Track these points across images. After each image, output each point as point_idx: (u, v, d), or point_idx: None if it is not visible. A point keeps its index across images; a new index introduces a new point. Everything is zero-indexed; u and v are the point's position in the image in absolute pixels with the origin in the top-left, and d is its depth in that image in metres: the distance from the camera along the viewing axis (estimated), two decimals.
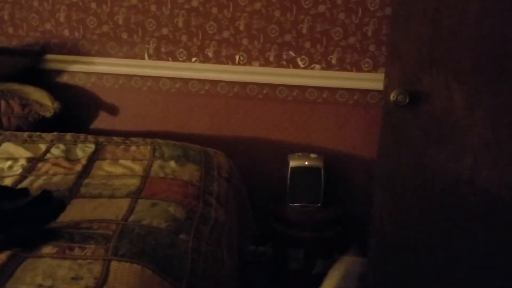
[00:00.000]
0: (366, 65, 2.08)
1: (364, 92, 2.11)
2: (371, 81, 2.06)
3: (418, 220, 1.76)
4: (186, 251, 1.25)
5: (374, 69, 2.07)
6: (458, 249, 1.75)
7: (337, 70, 2.11)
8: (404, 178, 1.73)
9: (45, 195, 1.27)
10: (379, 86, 1.96)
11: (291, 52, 2.14)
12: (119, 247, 1.13)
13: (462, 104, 1.62)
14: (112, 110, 2.28)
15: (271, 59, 2.16)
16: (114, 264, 1.07)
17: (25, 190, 1.37)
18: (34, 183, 1.47)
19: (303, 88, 2.17)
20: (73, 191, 1.43)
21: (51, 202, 1.25)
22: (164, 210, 1.36)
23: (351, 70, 2.10)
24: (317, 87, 2.15)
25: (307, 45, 2.12)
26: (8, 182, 1.47)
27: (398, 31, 1.65)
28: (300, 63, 2.14)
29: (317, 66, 2.13)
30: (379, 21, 2.01)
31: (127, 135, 2.04)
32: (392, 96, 1.65)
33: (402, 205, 1.77)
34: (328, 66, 2.12)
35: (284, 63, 2.15)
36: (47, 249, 1.09)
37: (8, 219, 1.15)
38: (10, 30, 2.22)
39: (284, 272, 2.14)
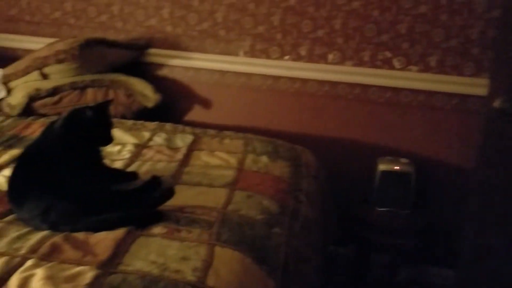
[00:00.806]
0: (467, 69, 1.99)
1: (464, 97, 2.02)
2: (473, 86, 1.98)
3: None
4: (280, 245, 1.28)
5: (477, 73, 1.97)
6: None
7: (435, 73, 2.04)
8: (505, 188, 1.65)
9: (155, 180, 1.37)
10: (481, 91, 1.88)
11: (387, 53, 2.10)
12: (221, 234, 1.19)
13: None
14: (206, 104, 2.38)
15: (366, 58, 2.13)
16: (217, 249, 1.13)
17: (134, 174, 1.48)
18: (141, 168, 1.58)
19: (397, 90, 2.13)
20: (176, 178, 1.53)
21: (160, 187, 1.35)
22: (259, 203, 1.41)
23: (451, 74, 2.02)
24: (412, 89, 2.10)
25: (405, 45, 2.07)
26: (118, 165, 1.59)
27: (507, 34, 1.56)
28: (396, 64, 2.10)
29: (414, 67, 2.08)
30: (485, 23, 1.92)
31: (218, 128, 2.12)
32: (496, 103, 1.57)
33: (500, 216, 1.68)
34: (426, 69, 2.06)
35: (379, 63, 2.12)
36: (158, 229, 1.18)
37: (124, 199, 1.25)
38: (119, 24, 2.38)
39: (365, 276, 2.12)
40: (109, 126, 1.37)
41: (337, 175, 2.17)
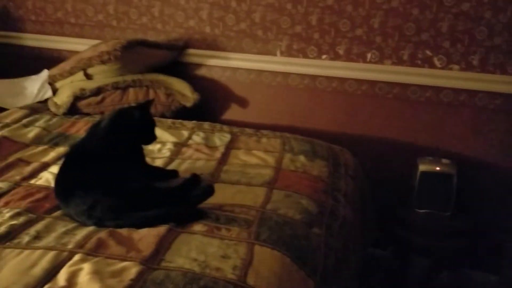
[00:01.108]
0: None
1: (508, 96, 1.97)
2: None
3: None
4: (319, 245, 1.28)
5: None
6: None
7: (478, 72, 1.98)
8: None
9: (195, 178, 1.40)
10: None
11: (427, 51, 2.06)
12: (260, 233, 1.20)
13: None
14: (243, 103, 2.40)
15: (405, 57, 2.10)
16: (257, 248, 1.14)
17: (174, 172, 1.51)
18: (181, 166, 1.62)
19: (438, 89, 2.08)
20: (215, 176, 1.55)
21: (200, 185, 1.37)
22: (297, 202, 1.41)
23: (495, 72, 1.96)
24: (453, 88, 2.06)
25: (446, 44, 2.03)
26: (158, 163, 1.63)
27: None
28: (437, 62, 2.06)
29: (456, 66, 2.03)
30: None
31: (255, 127, 2.14)
32: None
33: None
34: (468, 67, 2.01)
35: (419, 62, 2.08)
36: (198, 227, 1.20)
37: (165, 197, 1.28)
38: (159, 26, 2.44)
39: (404, 279, 2.08)
40: (153, 125, 1.42)
41: (375, 176, 2.15)
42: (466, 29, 1.98)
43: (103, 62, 2.13)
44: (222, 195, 1.38)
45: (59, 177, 1.33)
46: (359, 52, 2.15)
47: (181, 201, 1.28)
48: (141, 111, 1.37)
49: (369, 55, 2.14)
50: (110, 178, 1.25)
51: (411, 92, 2.13)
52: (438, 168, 1.99)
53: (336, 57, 2.19)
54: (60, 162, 1.61)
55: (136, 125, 1.36)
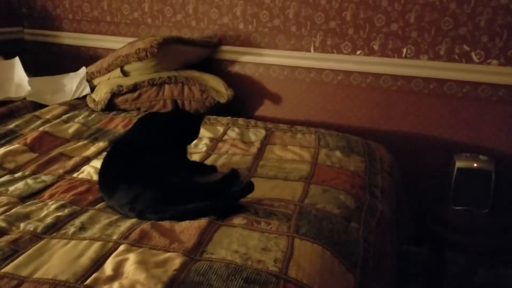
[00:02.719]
0: None
1: None
2: None
3: None
4: (358, 239, 1.28)
5: None
6: None
7: None
8: None
9: (234, 173, 1.42)
10: None
11: (465, 46, 2.02)
12: (299, 226, 1.21)
13: None
14: (276, 99, 2.41)
15: (442, 52, 2.06)
16: (297, 241, 1.14)
17: (213, 167, 1.53)
18: (218, 161, 1.64)
19: (475, 85, 2.04)
20: (251, 171, 1.56)
21: (239, 180, 1.39)
22: (335, 197, 1.41)
23: None
24: (492, 84, 2.01)
25: (484, 38, 1.98)
26: (195, 158, 1.66)
27: None
28: (474, 57, 2.02)
29: (494, 61, 1.99)
30: None
31: (288, 123, 2.15)
32: None
33: None
34: (507, 62, 1.96)
35: (456, 57, 2.05)
36: (238, 220, 1.22)
37: (206, 190, 1.30)
38: (193, 23, 2.47)
39: (441, 276, 2.05)
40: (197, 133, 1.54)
41: (410, 172, 2.13)
42: (505, 23, 1.93)
43: (139, 59, 2.17)
44: (260, 190, 1.39)
45: (103, 170, 1.37)
46: (395, 47, 2.13)
47: (221, 194, 1.30)
48: (198, 120, 1.52)
49: (404, 50, 2.12)
50: (152, 172, 1.28)
51: (447, 88, 2.09)
52: (475, 165, 1.95)
53: (371, 52, 2.17)
54: (101, 156, 1.67)
55: (191, 131, 1.49)
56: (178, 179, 1.29)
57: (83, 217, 1.25)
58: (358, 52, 2.20)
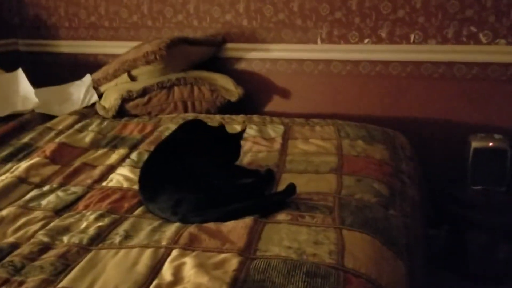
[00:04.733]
0: None
1: None
2: None
3: None
4: (399, 226, 1.29)
5: None
6: None
7: None
8: None
9: (270, 172, 1.42)
10: None
11: (472, 28, 2.04)
12: (344, 217, 1.21)
13: None
14: (285, 94, 2.40)
15: (449, 35, 2.09)
16: (345, 232, 1.15)
17: (257, 170, 1.51)
18: (244, 159, 1.63)
19: (484, 65, 2.07)
20: (280, 167, 1.57)
21: (275, 178, 1.40)
22: (370, 186, 1.42)
23: None
24: (501, 63, 2.05)
25: (491, 19, 2.01)
26: None
27: None
28: (482, 38, 2.04)
29: (502, 41, 2.02)
30: None
31: (300, 117, 2.15)
32: None
33: None
34: None
35: (464, 39, 2.07)
36: (282, 216, 1.22)
37: (244, 192, 1.30)
38: (195, 22, 2.45)
39: (462, 256, 2.09)
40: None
41: (426, 155, 2.15)
42: (511, 1, 1.96)
43: (148, 63, 2.15)
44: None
45: (144, 173, 1.36)
46: (402, 33, 2.14)
47: (260, 194, 1.30)
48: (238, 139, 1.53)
49: (412, 36, 2.13)
50: (195, 175, 1.27)
51: (457, 70, 2.12)
52: (491, 144, 1.99)
53: (378, 40, 2.19)
54: (125, 163, 1.66)
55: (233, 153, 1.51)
56: (219, 182, 1.29)
57: (125, 225, 1.24)
58: (366, 40, 2.21)
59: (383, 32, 2.17)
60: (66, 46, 2.77)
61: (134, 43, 2.46)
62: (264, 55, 2.37)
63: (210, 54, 2.38)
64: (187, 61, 2.30)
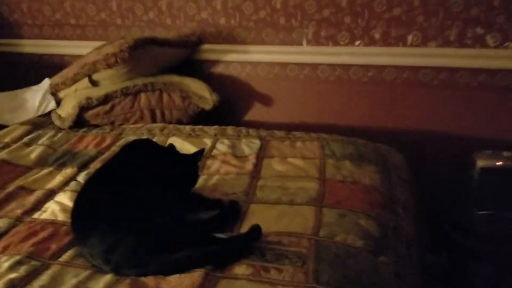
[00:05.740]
0: None
1: None
2: None
3: None
4: (390, 278, 1.04)
5: None
6: None
7: None
8: None
9: (235, 206, 1.16)
10: None
11: (478, 29, 1.79)
12: (319, 272, 0.96)
13: None
14: (267, 101, 2.16)
15: (452, 38, 1.84)
16: None
17: (219, 202, 1.25)
18: (208, 182, 1.38)
19: (492, 72, 1.83)
20: (249, 195, 1.31)
21: (240, 214, 1.13)
22: (355, 223, 1.17)
23: None
24: (511, 70, 1.80)
25: (500, 19, 1.76)
26: None
27: None
28: (489, 41, 1.79)
29: None
30: None
31: (283, 127, 1.90)
32: None
33: None
34: None
35: (469, 42, 1.82)
36: (241, 269, 0.97)
37: (198, 232, 1.04)
38: (168, 21, 2.19)
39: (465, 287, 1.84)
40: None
41: (425, 175, 1.90)
42: None
43: (109, 66, 1.89)
44: (263, 220, 1.14)
45: (77, 206, 1.11)
46: (398, 35, 1.89)
47: (216, 238, 1.04)
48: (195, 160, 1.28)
49: (410, 38, 1.89)
50: (135, 210, 1.02)
51: (460, 77, 1.87)
52: (499, 163, 1.75)
53: (371, 42, 1.94)
54: (68, 188, 1.41)
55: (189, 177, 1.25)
56: (167, 219, 1.02)
57: (44, 278, 0.99)
58: (357, 42, 1.96)
59: (376, 32, 1.92)
60: (30, 46, 2.52)
61: (102, 43, 2.21)
62: (244, 58, 2.12)
63: (183, 57, 2.13)
64: (155, 64, 2.04)
